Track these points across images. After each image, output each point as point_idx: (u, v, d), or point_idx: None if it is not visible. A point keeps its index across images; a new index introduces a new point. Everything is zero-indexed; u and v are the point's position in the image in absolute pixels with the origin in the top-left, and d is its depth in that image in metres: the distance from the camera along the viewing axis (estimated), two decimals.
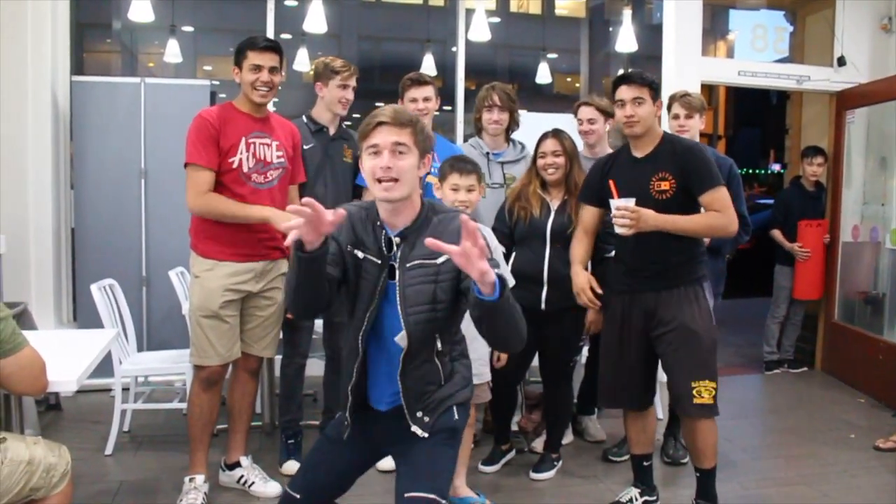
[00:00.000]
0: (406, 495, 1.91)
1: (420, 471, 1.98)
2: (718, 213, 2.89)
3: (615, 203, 2.84)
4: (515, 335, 1.88)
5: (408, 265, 1.99)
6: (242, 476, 3.32)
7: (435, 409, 2.05)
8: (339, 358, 3.66)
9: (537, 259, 3.37)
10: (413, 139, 1.99)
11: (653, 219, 2.83)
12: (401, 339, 2.01)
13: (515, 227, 3.42)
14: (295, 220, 1.73)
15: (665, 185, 2.91)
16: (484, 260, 1.67)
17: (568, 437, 4.00)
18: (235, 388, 3.33)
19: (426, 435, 2.02)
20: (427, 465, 1.99)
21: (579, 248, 3.18)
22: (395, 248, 2.01)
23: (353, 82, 3.57)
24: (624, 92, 2.94)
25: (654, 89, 2.96)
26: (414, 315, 1.98)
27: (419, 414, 2.03)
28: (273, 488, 3.25)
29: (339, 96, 3.54)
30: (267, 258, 3.18)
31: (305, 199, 1.73)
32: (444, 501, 1.93)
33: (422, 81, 3.66)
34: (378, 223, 2.05)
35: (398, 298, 2.00)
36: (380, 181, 1.95)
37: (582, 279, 3.10)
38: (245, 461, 3.36)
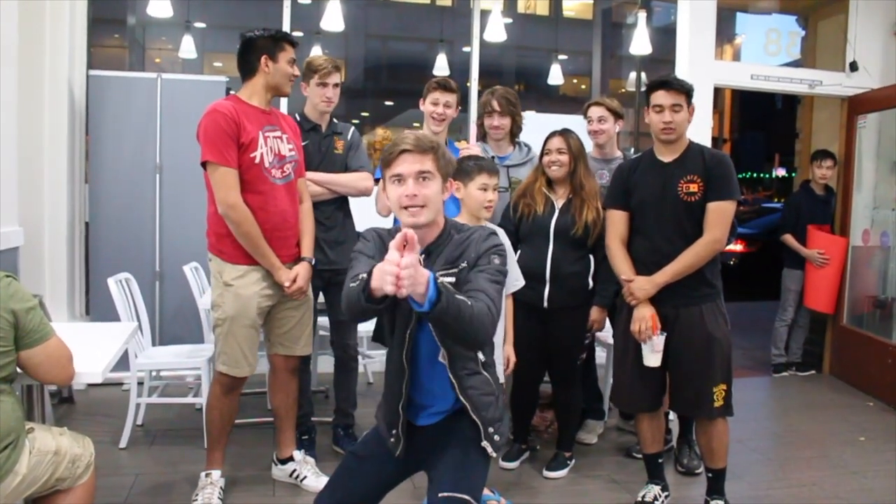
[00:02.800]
0: (440, 495, 1.94)
1: (455, 474, 2.00)
2: (702, 238, 2.93)
3: (657, 341, 2.94)
4: (462, 338, 1.90)
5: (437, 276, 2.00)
6: (295, 470, 3.34)
7: (502, 427, 2.12)
8: (349, 358, 3.72)
9: (540, 256, 3.39)
10: (436, 165, 2.01)
11: (650, 284, 2.96)
12: (443, 356, 2.06)
13: (520, 223, 3.43)
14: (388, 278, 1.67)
15: (694, 188, 2.95)
16: (410, 281, 1.66)
17: (592, 438, 4.04)
18: (278, 389, 3.31)
19: (495, 454, 2.09)
20: (461, 470, 2.02)
21: (626, 262, 3.08)
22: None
23: (332, 79, 3.52)
24: (663, 97, 2.95)
25: (690, 96, 2.99)
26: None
27: (490, 430, 2.08)
28: (325, 482, 3.26)
29: (320, 94, 3.52)
30: (291, 258, 3.14)
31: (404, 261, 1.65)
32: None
33: (449, 88, 3.61)
34: None
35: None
36: (406, 207, 1.98)
37: (646, 310, 2.98)
38: (298, 455, 3.38)
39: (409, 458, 2.15)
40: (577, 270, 3.43)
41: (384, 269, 1.66)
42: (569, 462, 3.64)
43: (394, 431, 2.12)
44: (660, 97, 2.96)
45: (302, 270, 3.12)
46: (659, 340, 2.95)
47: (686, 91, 2.98)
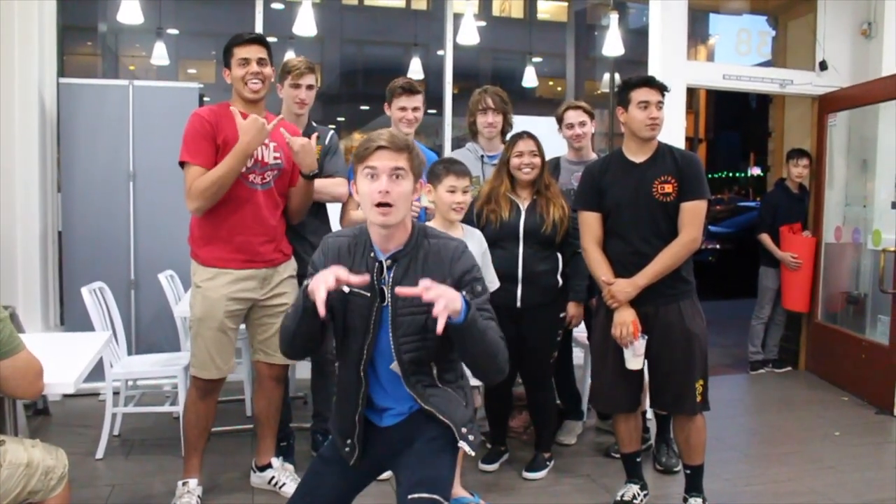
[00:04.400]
0: (409, 497, 1.92)
1: (423, 474, 1.99)
2: (679, 238, 2.96)
3: (638, 345, 2.96)
4: (490, 360, 1.97)
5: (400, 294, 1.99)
6: (273, 477, 3.32)
7: (474, 427, 2.12)
8: (326, 362, 3.69)
9: (511, 258, 3.39)
10: (410, 164, 2.00)
11: (630, 286, 2.97)
12: (395, 367, 2.05)
13: (484, 229, 3.38)
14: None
15: (668, 188, 2.98)
16: (445, 298, 1.77)
17: (571, 439, 4.05)
18: (261, 396, 3.29)
19: (473, 453, 2.11)
20: (429, 470, 2.01)
21: (604, 264, 3.06)
22: (385, 270, 2.03)
23: (305, 81, 3.48)
24: (649, 94, 2.97)
25: (664, 95, 3.05)
26: (405, 344, 2.02)
27: (464, 430, 2.08)
28: None
29: (293, 96, 3.49)
30: (270, 264, 3.12)
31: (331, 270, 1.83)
32: (446, 503, 1.95)
33: (413, 91, 3.60)
34: (369, 250, 2.05)
35: (390, 326, 2.02)
36: (378, 205, 1.95)
37: (627, 315, 2.98)
38: (276, 462, 3.36)
39: (375, 459, 2.15)
40: (548, 269, 3.46)
41: (324, 274, 1.83)
42: (548, 463, 3.64)
43: (349, 441, 2.11)
44: (645, 93, 2.98)
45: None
46: (640, 344, 2.97)
47: (665, 90, 3.03)
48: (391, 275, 2.02)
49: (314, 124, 3.65)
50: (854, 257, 5.40)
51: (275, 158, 3.12)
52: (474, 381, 3.07)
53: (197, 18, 10.08)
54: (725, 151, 21.96)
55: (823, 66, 5.64)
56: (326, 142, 3.64)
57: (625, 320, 2.97)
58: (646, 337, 2.98)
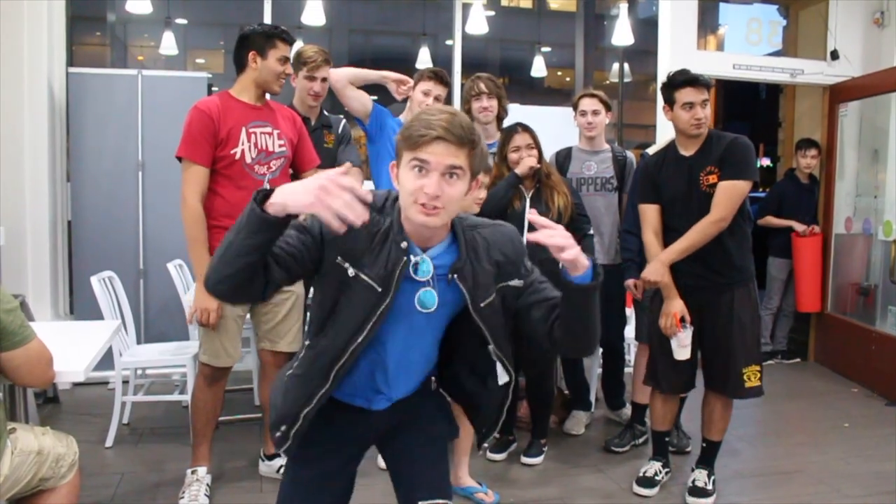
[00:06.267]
0: (423, 503, 1.88)
1: (429, 477, 1.95)
2: (707, 216, 2.96)
3: (682, 336, 3.00)
4: (591, 332, 1.73)
5: (482, 304, 1.74)
6: (282, 466, 3.32)
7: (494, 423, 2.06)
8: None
9: None
10: (469, 161, 1.62)
11: (659, 264, 3.01)
12: (502, 373, 1.95)
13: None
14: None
15: (713, 179, 2.99)
16: (569, 243, 1.64)
17: (579, 429, 4.05)
18: (267, 385, 3.29)
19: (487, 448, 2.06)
20: (434, 471, 1.97)
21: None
22: (410, 270, 1.69)
23: (320, 74, 3.46)
24: (693, 94, 2.98)
25: (710, 89, 3.04)
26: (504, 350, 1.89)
27: (484, 431, 2.07)
28: None
29: (307, 88, 3.48)
30: None
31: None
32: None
33: (443, 80, 3.57)
34: (398, 236, 1.67)
35: (490, 339, 1.81)
36: (422, 205, 1.60)
37: (671, 306, 3.03)
38: None
39: (364, 439, 1.96)
40: (550, 256, 3.45)
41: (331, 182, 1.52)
42: (544, 449, 3.66)
43: (283, 427, 1.77)
44: (690, 94, 2.99)
45: None
46: (685, 335, 2.99)
47: (710, 86, 3.04)
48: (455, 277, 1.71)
49: (325, 114, 3.64)
50: (864, 248, 5.37)
51: (279, 146, 3.10)
52: None
53: (205, 8, 10.09)
54: None
55: (835, 55, 5.60)
56: (339, 131, 3.64)
57: (668, 312, 3.01)
58: (691, 328, 3.01)
